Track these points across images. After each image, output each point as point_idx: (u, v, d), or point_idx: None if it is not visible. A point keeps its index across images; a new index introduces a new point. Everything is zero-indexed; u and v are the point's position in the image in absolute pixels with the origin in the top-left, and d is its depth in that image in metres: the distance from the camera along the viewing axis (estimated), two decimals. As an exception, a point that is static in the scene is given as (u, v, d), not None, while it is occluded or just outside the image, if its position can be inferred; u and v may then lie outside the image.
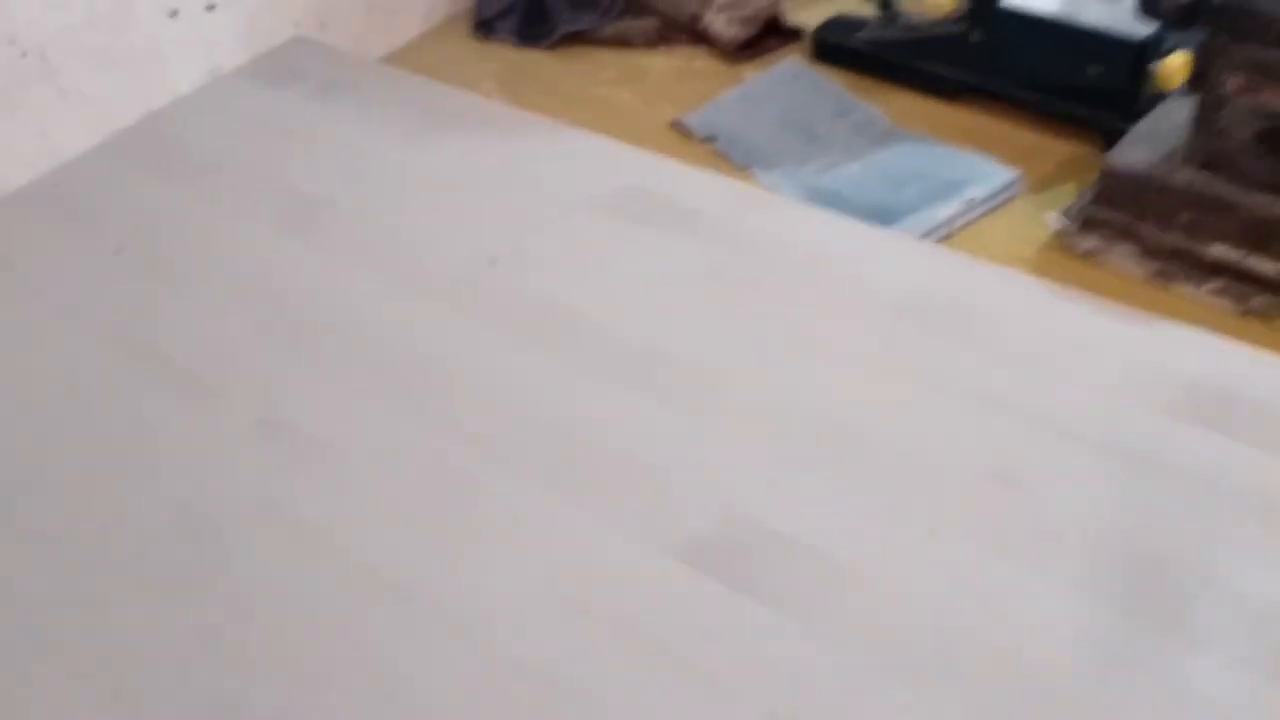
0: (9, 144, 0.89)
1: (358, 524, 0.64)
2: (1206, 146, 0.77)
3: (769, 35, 1.08)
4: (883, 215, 0.87)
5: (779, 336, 0.74)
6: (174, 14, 0.96)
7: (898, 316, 0.74)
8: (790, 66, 1.05)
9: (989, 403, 0.68)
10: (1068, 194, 0.86)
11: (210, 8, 0.99)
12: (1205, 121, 0.76)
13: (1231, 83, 0.74)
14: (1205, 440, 0.65)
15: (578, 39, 1.10)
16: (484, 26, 1.13)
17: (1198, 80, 0.76)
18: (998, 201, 0.89)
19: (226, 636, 0.58)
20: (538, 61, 1.10)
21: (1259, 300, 0.77)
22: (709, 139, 0.98)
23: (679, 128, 1.00)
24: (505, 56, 1.11)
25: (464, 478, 0.66)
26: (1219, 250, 0.77)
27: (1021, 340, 0.72)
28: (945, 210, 0.87)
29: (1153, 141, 0.80)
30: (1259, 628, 0.56)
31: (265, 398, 0.71)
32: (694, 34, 1.09)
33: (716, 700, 0.55)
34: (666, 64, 1.08)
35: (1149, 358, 0.70)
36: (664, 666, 0.57)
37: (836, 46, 1.05)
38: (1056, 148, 0.92)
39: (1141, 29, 0.87)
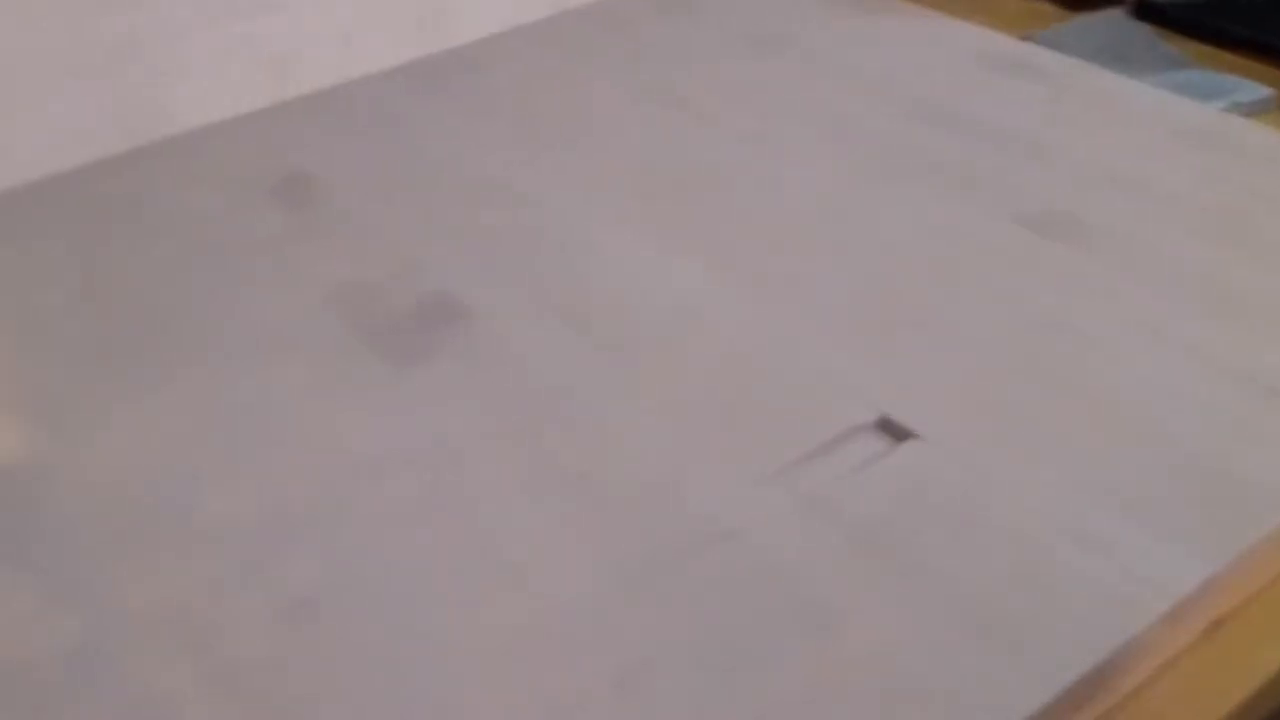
0: None
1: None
2: None
3: (1100, -5, 1.46)
4: (1167, 105, 1.23)
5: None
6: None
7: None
8: (1112, 13, 1.43)
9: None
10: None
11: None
12: None
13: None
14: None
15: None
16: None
17: None
18: (1256, 110, 1.25)
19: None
20: None
21: None
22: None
23: (1026, 39, 1.39)
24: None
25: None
26: None
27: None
28: (1213, 106, 1.23)
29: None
30: None
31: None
32: (1042, -12, 1.48)
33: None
34: (1018, 5, 1.48)
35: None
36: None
37: (1151, 7, 1.43)
38: (1304, 86, 1.27)
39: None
